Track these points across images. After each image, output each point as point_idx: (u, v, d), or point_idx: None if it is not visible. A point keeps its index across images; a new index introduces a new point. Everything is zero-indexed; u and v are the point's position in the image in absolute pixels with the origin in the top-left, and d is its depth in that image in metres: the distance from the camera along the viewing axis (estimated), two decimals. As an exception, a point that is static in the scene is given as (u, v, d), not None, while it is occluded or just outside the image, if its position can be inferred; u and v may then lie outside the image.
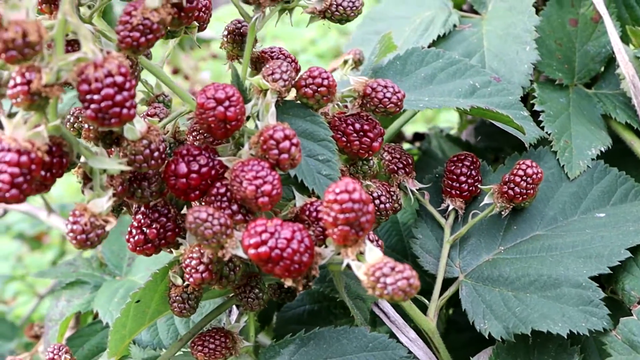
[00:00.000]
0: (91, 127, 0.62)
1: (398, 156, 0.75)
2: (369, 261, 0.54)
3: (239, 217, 0.59)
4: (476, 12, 0.94)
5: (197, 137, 0.67)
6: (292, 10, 0.67)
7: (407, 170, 0.75)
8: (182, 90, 0.65)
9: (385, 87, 0.65)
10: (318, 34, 2.74)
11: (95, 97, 0.53)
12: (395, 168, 0.75)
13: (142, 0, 0.57)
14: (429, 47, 0.85)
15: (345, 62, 0.87)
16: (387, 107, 0.65)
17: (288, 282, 0.57)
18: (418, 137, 1.12)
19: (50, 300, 1.89)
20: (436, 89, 0.76)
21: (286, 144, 0.58)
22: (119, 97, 0.54)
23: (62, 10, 0.56)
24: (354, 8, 0.66)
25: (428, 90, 0.75)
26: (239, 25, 0.69)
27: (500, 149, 0.99)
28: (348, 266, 0.55)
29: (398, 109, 0.65)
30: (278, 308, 0.90)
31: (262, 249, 0.55)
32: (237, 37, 0.69)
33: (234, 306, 0.76)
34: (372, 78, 0.69)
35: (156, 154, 0.59)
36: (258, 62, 0.70)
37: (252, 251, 0.55)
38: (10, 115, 0.61)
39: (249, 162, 0.58)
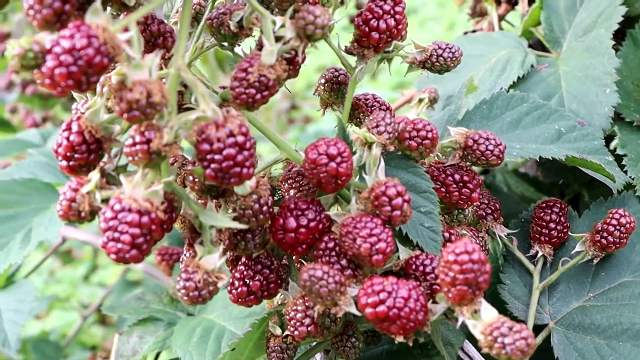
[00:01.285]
0: (196, 180, 0.62)
1: (486, 201, 0.75)
2: (485, 320, 0.55)
3: (349, 272, 0.59)
4: (546, 50, 0.94)
5: (293, 185, 0.67)
6: (391, 59, 0.67)
7: (496, 215, 0.75)
8: (281, 139, 0.65)
9: (487, 139, 0.65)
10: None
11: (217, 157, 0.53)
12: (484, 214, 0.75)
13: (256, 56, 0.57)
14: (509, 88, 0.85)
15: (421, 100, 0.87)
16: (489, 159, 0.65)
17: (399, 339, 0.57)
18: (482, 171, 1.12)
19: (93, 317, 1.90)
20: (523, 134, 0.76)
21: (399, 201, 0.58)
22: (240, 157, 0.54)
23: (175, 65, 0.56)
24: (454, 59, 0.66)
25: (515, 136, 0.75)
26: (337, 73, 0.69)
27: (567, 184, 0.98)
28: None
29: (500, 162, 0.65)
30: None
31: (380, 308, 0.55)
32: (334, 86, 0.69)
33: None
34: (457, 122, 0.69)
35: (265, 208, 0.59)
36: (351, 109, 0.70)
37: (369, 310, 0.55)
38: (117, 169, 0.61)
39: (361, 219, 0.58)
